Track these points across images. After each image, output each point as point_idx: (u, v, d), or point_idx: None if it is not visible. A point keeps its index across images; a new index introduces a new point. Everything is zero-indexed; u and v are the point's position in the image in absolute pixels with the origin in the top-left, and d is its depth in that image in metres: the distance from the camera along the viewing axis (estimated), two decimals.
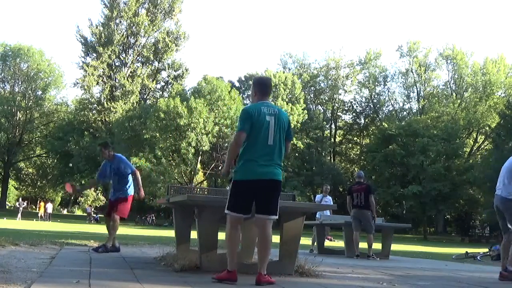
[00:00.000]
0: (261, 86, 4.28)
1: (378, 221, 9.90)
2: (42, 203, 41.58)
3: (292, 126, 4.09)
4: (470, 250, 11.75)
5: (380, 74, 53.51)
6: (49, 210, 39.75)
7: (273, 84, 52.45)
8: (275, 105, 4.22)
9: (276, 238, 4.29)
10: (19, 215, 34.16)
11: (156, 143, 39.74)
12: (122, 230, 20.57)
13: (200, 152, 41.09)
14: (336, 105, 55.44)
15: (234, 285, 3.93)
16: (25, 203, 43.07)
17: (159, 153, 39.16)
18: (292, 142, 4.28)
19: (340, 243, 13.98)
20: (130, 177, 7.13)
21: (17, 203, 42.36)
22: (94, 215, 43.07)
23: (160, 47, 49.01)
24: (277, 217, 4.12)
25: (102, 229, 21.73)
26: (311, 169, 45.92)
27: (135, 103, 47.32)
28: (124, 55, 49.67)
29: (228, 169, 4.24)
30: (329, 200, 11.74)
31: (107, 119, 46.92)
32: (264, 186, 4.02)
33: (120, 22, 48.58)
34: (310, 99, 54.15)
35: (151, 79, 49.38)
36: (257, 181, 4.00)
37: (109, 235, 6.99)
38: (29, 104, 53.13)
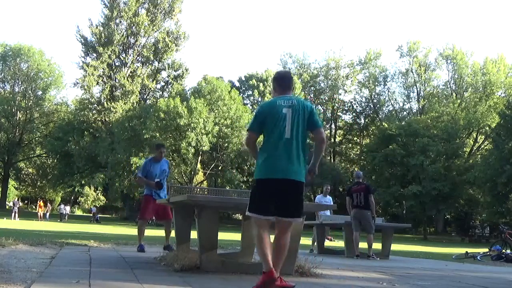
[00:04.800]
0: (279, 81, 4.10)
1: (378, 221, 9.90)
2: (41, 203, 41.59)
3: None
4: (470, 250, 11.74)
5: (380, 74, 53.52)
6: (67, 210, 42.30)
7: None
8: (297, 96, 3.94)
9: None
10: (15, 215, 33.41)
11: (156, 143, 39.76)
12: (121, 230, 20.59)
13: (200, 152, 41.09)
14: (336, 105, 55.46)
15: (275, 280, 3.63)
16: (20, 203, 43.29)
17: None
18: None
19: (340, 243, 13.96)
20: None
21: (10, 203, 42.48)
22: (95, 215, 43.10)
23: (160, 47, 48.99)
24: (300, 219, 3.88)
25: (102, 229, 21.73)
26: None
27: (135, 103, 47.31)
28: (124, 55, 49.65)
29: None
30: (329, 200, 11.74)
31: (107, 119, 46.90)
32: (284, 187, 3.76)
33: (120, 22, 48.56)
34: (310, 99, 54.13)
35: (151, 79, 49.36)
36: (276, 181, 3.77)
37: (168, 235, 7.48)
38: (29, 104, 53.17)
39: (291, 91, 4.05)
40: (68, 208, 45.51)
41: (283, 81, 4.09)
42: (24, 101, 52.63)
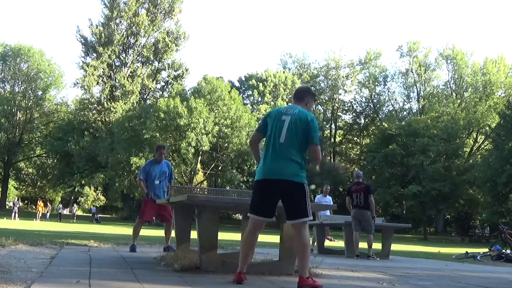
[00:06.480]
0: (294, 93, 4.52)
1: (378, 221, 9.90)
2: (41, 203, 41.56)
3: None
4: (470, 250, 11.74)
5: (380, 74, 53.55)
6: (74, 210, 44.54)
7: (273, 84, 52.08)
8: (302, 108, 4.19)
9: (276, 238, 4.25)
10: (15, 215, 33.27)
11: (156, 143, 39.73)
12: (121, 230, 20.60)
13: (200, 152, 41.10)
14: (336, 105, 55.49)
15: (240, 285, 3.88)
16: (20, 203, 43.40)
17: None
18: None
19: (340, 243, 13.96)
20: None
21: (10, 203, 42.55)
22: (95, 215, 43.08)
23: (160, 47, 48.99)
24: (306, 219, 3.89)
25: (102, 229, 21.74)
26: (311, 169, 45.83)
27: (135, 103, 47.32)
28: (124, 55, 49.66)
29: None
30: (329, 200, 11.74)
31: (107, 119, 46.91)
32: (279, 188, 3.89)
33: (120, 22, 48.56)
34: None
35: (151, 79, 49.37)
36: (270, 181, 3.92)
37: (168, 236, 7.42)
38: (29, 104, 53.17)
39: (302, 102, 4.28)
40: (75, 207, 46.74)
41: (295, 93, 4.48)
42: (24, 101, 52.62)
